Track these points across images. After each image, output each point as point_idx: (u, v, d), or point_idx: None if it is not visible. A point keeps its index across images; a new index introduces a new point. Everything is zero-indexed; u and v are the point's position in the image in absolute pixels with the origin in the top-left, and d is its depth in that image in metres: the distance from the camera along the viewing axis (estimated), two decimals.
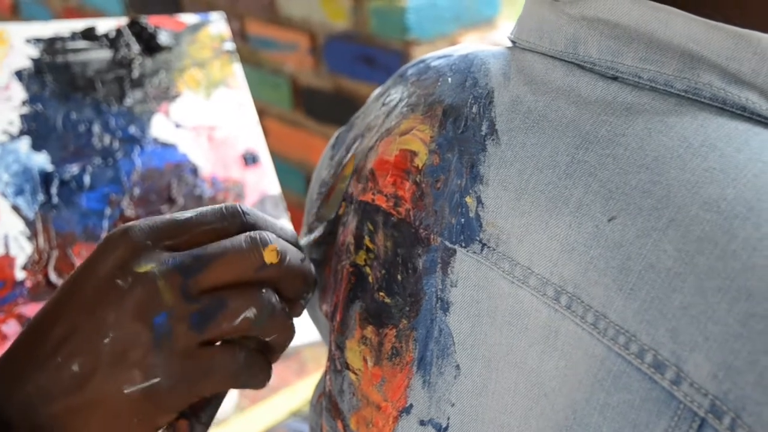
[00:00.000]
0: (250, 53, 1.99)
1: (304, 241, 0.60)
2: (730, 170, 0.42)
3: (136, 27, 1.12)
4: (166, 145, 1.06)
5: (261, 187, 1.06)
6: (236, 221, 0.53)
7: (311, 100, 1.91)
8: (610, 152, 0.46)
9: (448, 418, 0.52)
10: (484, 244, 0.50)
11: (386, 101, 0.62)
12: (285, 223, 0.54)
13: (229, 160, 1.07)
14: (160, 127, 1.07)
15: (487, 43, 1.70)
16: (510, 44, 0.58)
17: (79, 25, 1.10)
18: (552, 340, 0.45)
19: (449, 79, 0.57)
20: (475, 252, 0.50)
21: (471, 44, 0.62)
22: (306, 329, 0.96)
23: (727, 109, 0.46)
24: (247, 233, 0.52)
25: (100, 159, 1.03)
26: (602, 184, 0.45)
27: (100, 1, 2.38)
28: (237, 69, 1.15)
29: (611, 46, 0.49)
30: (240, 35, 2.00)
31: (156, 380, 0.48)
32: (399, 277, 0.55)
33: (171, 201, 1.02)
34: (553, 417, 0.45)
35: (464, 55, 0.58)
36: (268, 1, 1.91)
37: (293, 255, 0.53)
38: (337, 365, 0.60)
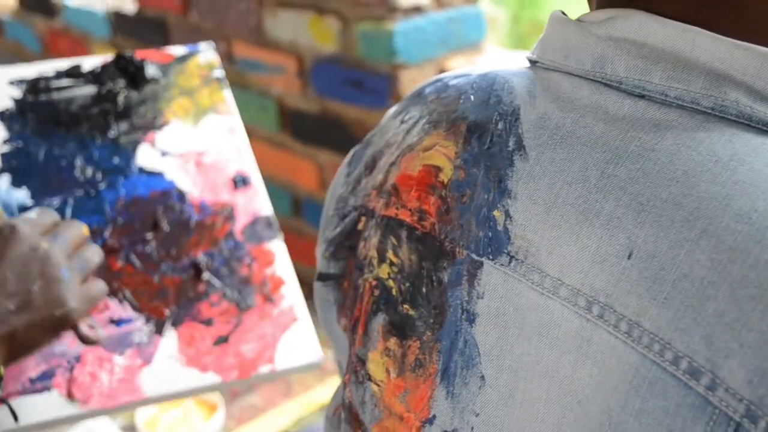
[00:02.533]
0: (237, 76, 2.00)
1: None
2: (759, 183, 0.44)
3: (121, 62, 1.11)
4: (151, 174, 1.06)
5: (252, 209, 1.05)
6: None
7: (298, 122, 1.93)
8: (640, 167, 0.47)
9: (472, 428, 0.53)
10: (512, 257, 0.51)
11: (405, 119, 0.64)
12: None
13: (219, 184, 1.06)
14: (145, 156, 1.07)
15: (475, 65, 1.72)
16: (528, 64, 0.59)
17: (63, 63, 1.10)
18: (584, 349, 0.47)
19: (471, 97, 0.58)
20: (502, 264, 0.52)
21: (488, 64, 0.63)
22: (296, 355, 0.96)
23: (753, 125, 0.48)
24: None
25: (83, 191, 1.02)
26: (633, 197, 0.47)
27: (85, 23, 2.39)
28: (227, 95, 1.13)
29: (639, 65, 0.50)
30: (227, 58, 2.01)
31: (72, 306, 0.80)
32: (424, 289, 0.56)
33: (156, 227, 1.01)
34: (587, 424, 0.46)
35: (484, 74, 0.60)
36: (256, 24, 1.93)
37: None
38: (358, 377, 0.61)
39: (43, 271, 0.79)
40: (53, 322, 0.79)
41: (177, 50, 1.16)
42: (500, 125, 0.55)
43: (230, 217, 1.05)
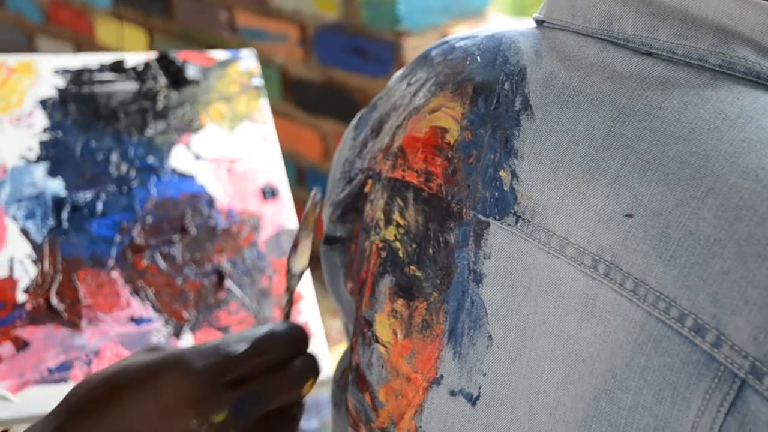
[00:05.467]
0: (239, 44, 1.99)
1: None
2: (767, 140, 0.44)
3: (164, 61, 1.15)
4: (183, 176, 1.07)
5: (278, 221, 1.06)
6: (294, 348, 0.60)
7: (301, 91, 1.92)
8: (647, 125, 0.47)
9: (479, 388, 0.53)
10: (518, 217, 0.51)
11: (411, 81, 0.64)
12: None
13: (248, 192, 1.08)
14: (179, 158, 1.08)
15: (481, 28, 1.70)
16: (534, 24, 0.59)
17: (108, 57, 1.13)
18: (590, 307, 0.47)
19: (478, 58, 0.58)
20: (509, 224, 0.52)
21: (496, 24, 0.63)
22: None
23: (761, 82, 0.48)
24: (304, 368, 0.60)
25: (115, 187, 1.04)
26: (640, 155, 0.47)
27: None
28: (263, 104, 1.16)
29: (646, 22, 0.50)
30: (229, 26, 2.00)
31: None
32: (430, 250, 0.56)
33: (183, 230, 1.03)
34: (591, 382, 0.46)
35: (491, 35, 0.60)
36: None
37: None
38: (365, 339, 0.61)
39: None
40: None
41: (219, 55, 1.20)
42: (506, 85, 0.55)
43: (256, 227, 1.06)
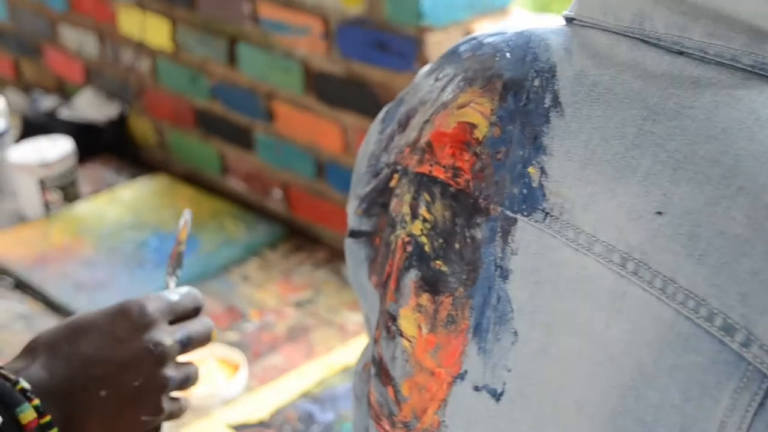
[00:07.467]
0: (261, 36, 2.00)
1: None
2: None
3: None
4: None
5: None
6: (199, 306, 0.79)
7: (323, 84, 1.92)
8: (678, 124, 0.47)
9: (504, 383, 0.53)
10: (547, 213, 0.51)
11: (440, 77, 0.64)
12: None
13: None
14: None
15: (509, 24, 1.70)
16: (564, 22, 0.59)
17: None
18: (618, 305, 0.47)
19: (507, 54, 0.58)
20: (537, 221, 0.52)
21: (524, 21, 0.63)
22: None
23: None
24: (209, 322, 0.80)
25: None
26: (670, 154, 0.47)
27: None
28: None
29: (678, 21, 0.50)
30: (252, 18, 2.00)
31: (162, 416, 0.74)
32: (457, 246, 0.57)
33: None
34: (618, 379, 0.47)
35: (520, 32, 0.60)
36: None
37: None
38: (389, 332, 0.62)
39: (153, 370, 0.73)
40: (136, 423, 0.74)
41: None
42: (536, 82, 0.55)
43: None
